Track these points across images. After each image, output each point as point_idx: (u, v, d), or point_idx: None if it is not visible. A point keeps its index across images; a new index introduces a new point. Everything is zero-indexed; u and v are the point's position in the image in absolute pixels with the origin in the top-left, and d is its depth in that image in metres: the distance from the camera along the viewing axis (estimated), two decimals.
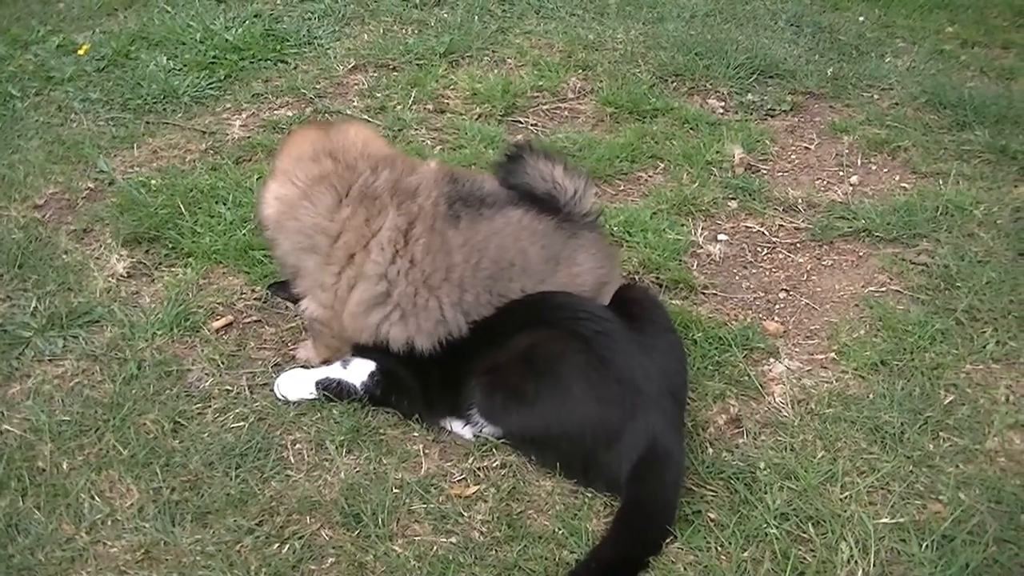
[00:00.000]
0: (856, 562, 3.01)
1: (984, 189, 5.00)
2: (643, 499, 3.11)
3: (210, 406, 3.60)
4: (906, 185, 5.12)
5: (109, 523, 3.13)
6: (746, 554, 3.03)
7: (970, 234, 4.62)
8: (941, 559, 3.02)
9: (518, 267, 3.51)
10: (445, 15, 6.92)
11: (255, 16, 6.74)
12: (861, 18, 7.32)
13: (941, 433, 3.53)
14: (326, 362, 3.70)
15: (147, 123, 5.53)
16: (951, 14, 7.50)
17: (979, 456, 3.44)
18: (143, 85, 5.84)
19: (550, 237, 3.55)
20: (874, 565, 3.00)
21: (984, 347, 3.91)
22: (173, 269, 4.30)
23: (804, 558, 3.03)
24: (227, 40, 6.34)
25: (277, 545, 3.07)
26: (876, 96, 6.06)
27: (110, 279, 4.21)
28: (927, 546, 3.06)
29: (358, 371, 3.56)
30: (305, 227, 3.48)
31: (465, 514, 3.18)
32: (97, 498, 3.20)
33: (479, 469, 3.36)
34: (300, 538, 3.08)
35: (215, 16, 6.70)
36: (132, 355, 3.80)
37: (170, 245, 4.41)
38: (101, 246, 4.43)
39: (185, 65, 6.11)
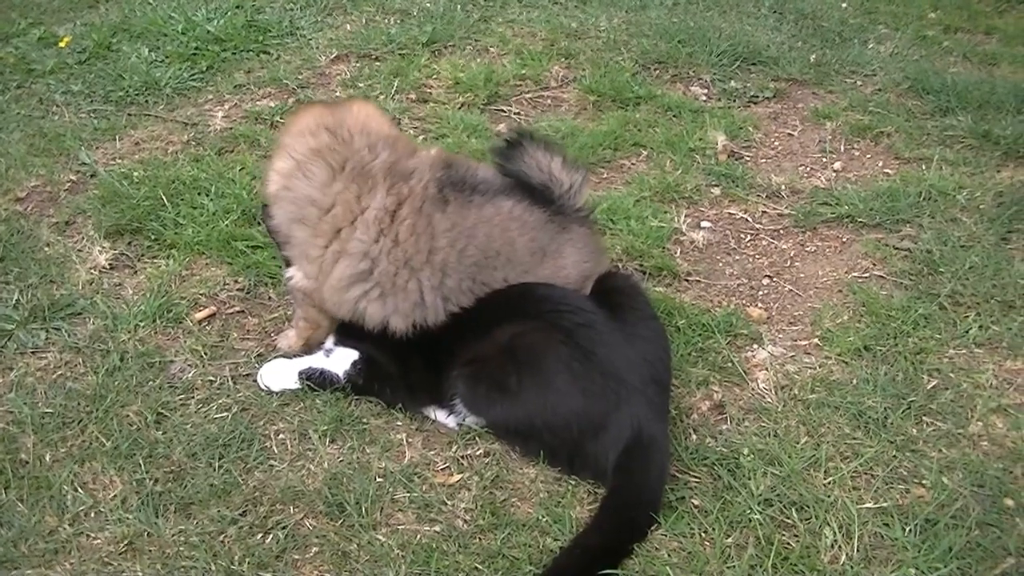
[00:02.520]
0: (840, 547, 3.01)
1: (967, 174, 5.01)
2: (628, 487, 3.11)
3: (193, 397, 3.58)
4: (889, 171, 5.13)
5: (92, 515, 3.11)
6: (730, 540, 3.04)
7: (953, 219, 4.63)
8: (924, 543, 3.02)
9: (504, 257, 3.51)
10: (427, 4, 6.91)
11: (237, 7, 6.73)
12: (844, 4, 7.35)
13: (924, 418, 3.54)
14: (308, 352, 3.70)
15: (129, 115, 5.51)
16: (934, 0, 7.50)
17: (962, 440, 3.45)
18: (125, 77, 5.82)
19: (539, 230, 3.56)
20: (857, 550, 3.00)
21: (967, 332, 3.92)
22: (156, 260, 4.29)
23: (788, 543, 3.03)
24: (209, 31, 6.33)
25: (261, 535, 3.06)
26: (859, 82, 6.08)
27: (92, 271, 4.19)
28: (910, 530, 3.06)
29: (341, 360, 3.56)
30: (298, 198, 3.49)
31: (449, 502, 3.17)
32: (80, 490, 3.19)
33: (462, 457, 3.36)
34: (284, 528, 3.07)
35: (197, 7, 6.69)
36: (115, 347, 3.78)
37: (152, 237, 4.40)
38: (83, 238, 4.42)
39: (167, 57, 6.10)
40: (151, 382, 3.63)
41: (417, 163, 3.56)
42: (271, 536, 3.05)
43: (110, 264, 4.25)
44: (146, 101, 5.67)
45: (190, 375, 3.68)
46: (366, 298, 3.48)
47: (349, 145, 3.52)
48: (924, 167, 5.10)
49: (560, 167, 3.58)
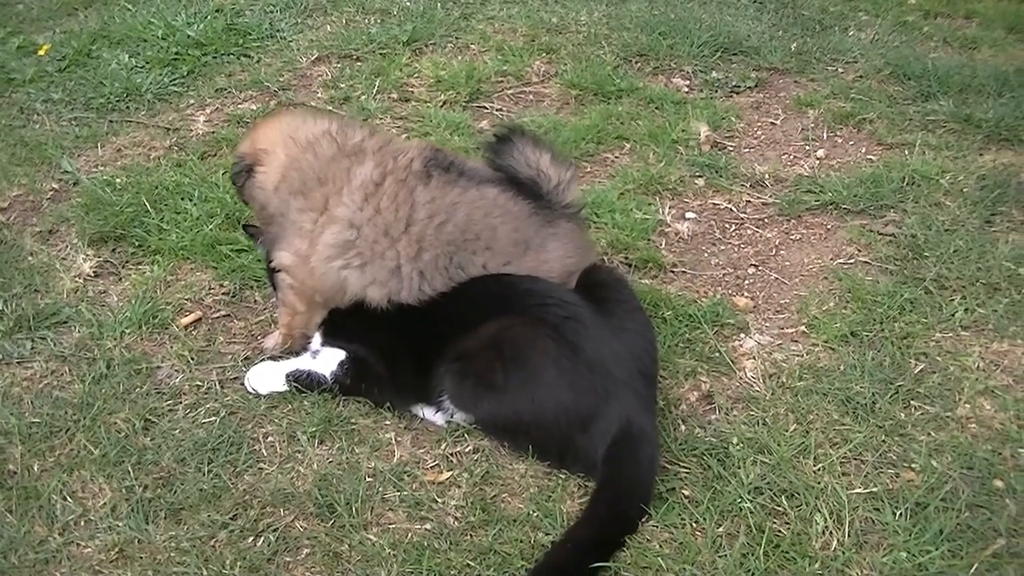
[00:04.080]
0: (831, 533, 3.02)
1: (950, 158, 5.02)
2: (618, 479, 3.11)
3: (181, 402, 3.58)
4: (872, 157, 5.14)
5: (82, 523, 3.11)
6: (721, 529, 3.04)
7: (937, 203, 4.64)
8: (915, 526, 3.03)
9: (483, 242, 3.54)
10: (408, 3, 6.91)
11: (217, 11, 6.72)
12: None
13: (912, 402, 3.54)
14: (295, 353, 3.69)
15: (110, 122, 5.50)
16: None
17: (950, 423, 3.46)
18: (105, 84, 5.81)
19: (523, 221, 3.58)
20: (849, 535, 3.01)
21: (953, 315, 3.93)
22: (140, 267, 4.28)
23: (779, 531, 3.03)
24: (189, 36, 6.32)
25: (252, 538, 3.05)
26: (840, 70, 6.08)
27: (77, 279, 4.19)
28: (901, 514, 3.07)
29: (328, 361, 3.56)
30: (303, 170, 3.61)
31: (439, 500, 3.17)
32: (69, 499, 3.18)
33: (452, 455, 3.36)
34: (275, 530, 3.07)
35: (176, 12, 6.67)
36: (101, 354, 3.77)
37: (137, 243, 4.39)
38: (67, 246, 4.41)
39: (147, 62, 6.09)
40: (138, 389, 3.63)
41: (407, 146, 3.69)
42: (262, 539, 3.04)
43: (94, 272, 4.24)
44: (127, 107, 5.66)
45: (177, 380, 3.68)
46: (348, 267, 3.53)
47: (353, 129, 3.71)
48: (907, 152, 5.11)
49: (549, 162, 3.61)
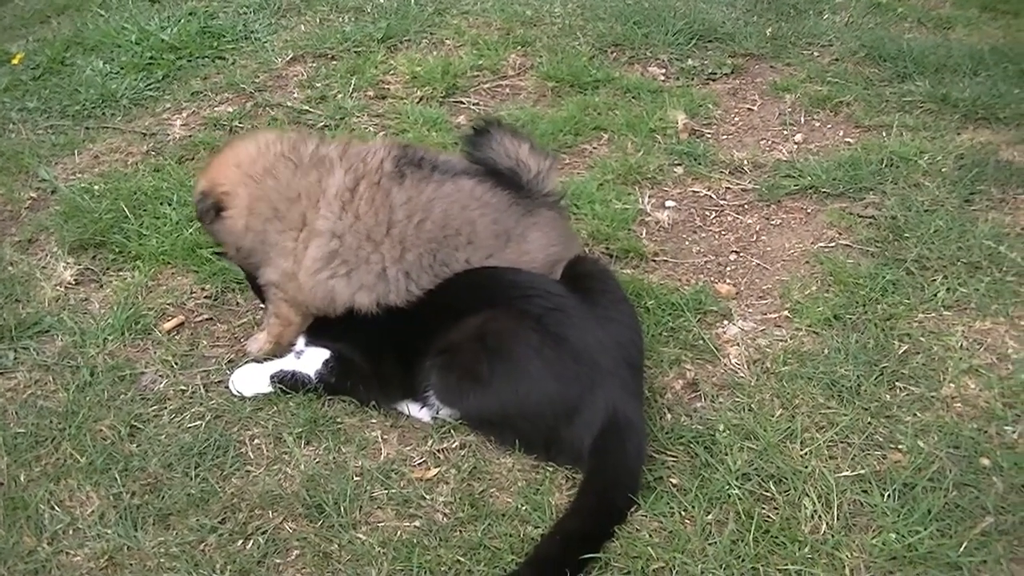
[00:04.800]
0: (820, 516, 3.03)
1: (927, 139, 5.04)
2: (606, 470, 3.11)
3: (166, 407, 3.57)
4: (850, 140, 5.16)
5: (71, 532, 3.10)
6: (710, 517, 3.04)
7: (916, 184, 4.65)
8: (904, 507, 3.04)
9: (464, 237, 3.54)
10: (381, 1, 6.88)
11: (190, 14, 6.68)
12: None
13: (897, 383, 3.55)
14: (279, 355, 3.68)
15: (87, 128, 5.48)
16: None
17: (936, 403, 3.47)
18: (81, 91, 5.78)
19: (502, 212, 3.58)
20: (837, 518, 3.02)
21: (935, 295, 3.94)
22: (121, 273, 4.27)
23: (768, 516, 3.04)
24: (163, 40, 6.29)
25: (241, 541, 3.05)
26: (816, 53, 6.09)
27: (58, 287, 4.17)
28: (889, 496, 3.08)
29: (312, 361, 3.55)
30: (270, 196, 3.57)
31: (427, 497, 3.17)
32: (57, 508, 3.17)
33: (439, 451, 3.36)
34: (264, 533, 3.06)
35: (150, 17, 6.64)
36: (84, 362, 3.76)
37: (117, 249, 4.37)
38: (47, 255, 4.39)
39: (122, 68, 6.06)
40: (123, 395, 3.62)
41: (369, 146, 3.67)
42: (251, 542, 3.04)
43: (75, 279, 4.22)
44: (103, 114, 5.64)
45: (162, 386, 3.67)
46: (335, 276, 3.52)
47: (305, 141, 3.66)
48: (884, 134, 5.12)
49: (528, 152, 3.62)
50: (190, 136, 5.34)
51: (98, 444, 3.39)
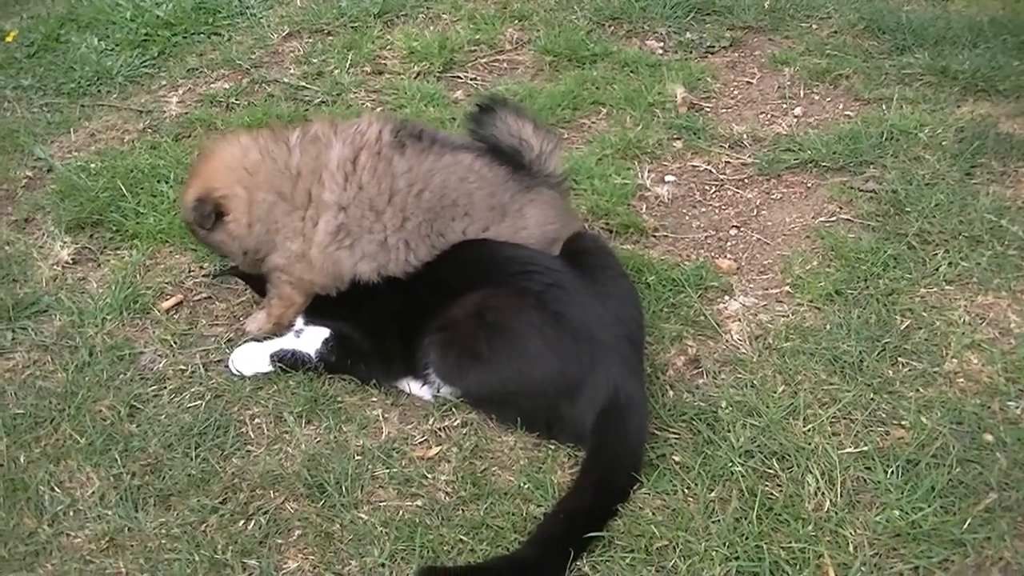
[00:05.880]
0: (823, 493, 3.02)
1: (927, 111, 5.01)
2: (608, 448, 3.10)
3: (165, 387, 3.56)
4: (850, 113, 5.13)
5: (71, 514, 3.09)
6: (713, 494, 3.04)
7: (916, 157, 4.63)
8: (907, 484, 3.03)
9: (461, 208, 3.56)
10: None
11: None
12: None
13: (900, 359, 3.54)
14: (278, 334, 3.66)
15: (82, 106, 5.45)
16: None
17: (938, 379, 3.46)
18: (76, 68, 5.76)
19: (499, 186, 3.59)
20: (841, 495, 3.01)
21: (937, 269, 3.92)
22: (119, 252, 4.25)
23: (771, 494, 3.03)
24: (158, 16, 6.25)
25: (243, 522, 3.04)
26: (815, 26, 6.05)
27: (55, 267, 4.15)
28: (892, 472, 3.07)
29: (312, 339, 3.54)
30: (271, 179, 3.56)
31: (429, 476, 3.16)
32: (57, 489, 3.16)
33: (440, 430, 3.35)
34: (265, 513, 3.05)
35: None
36: (83, 342, 3.75)
37: (114, 228, 4.36)
38: (44, 234, 4.37)
39: (117, 45, 6.03)
40: (122, 375, 3.60)
41: (360, 120, 3.68)
42: (253, 522, 3.03)
43: (73, 259, 4.21)
44: (99, 91, 5.62)
45: (161, 365, 3.66)
46: (340, 247, 3.53)
47: (284, 129, 3.69)
48: (884, 107, 5.10)
49: (532, 132, 3.63)
50: (186, 113, 5.31)
51: (98, 425, 3.38)
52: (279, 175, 3.55)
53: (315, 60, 5.80)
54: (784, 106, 5.25)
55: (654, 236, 4.28)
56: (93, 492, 3.15)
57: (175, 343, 3.74)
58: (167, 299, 3.98)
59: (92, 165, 4.79)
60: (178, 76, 5.72)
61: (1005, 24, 5.79)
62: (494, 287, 3.34)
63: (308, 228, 3.54)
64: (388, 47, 5.88)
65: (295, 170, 3.54)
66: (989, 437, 3.21)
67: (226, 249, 3.69)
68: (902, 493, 3.00)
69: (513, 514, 3.00)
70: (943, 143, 4.71)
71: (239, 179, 3.57)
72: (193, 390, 3.54)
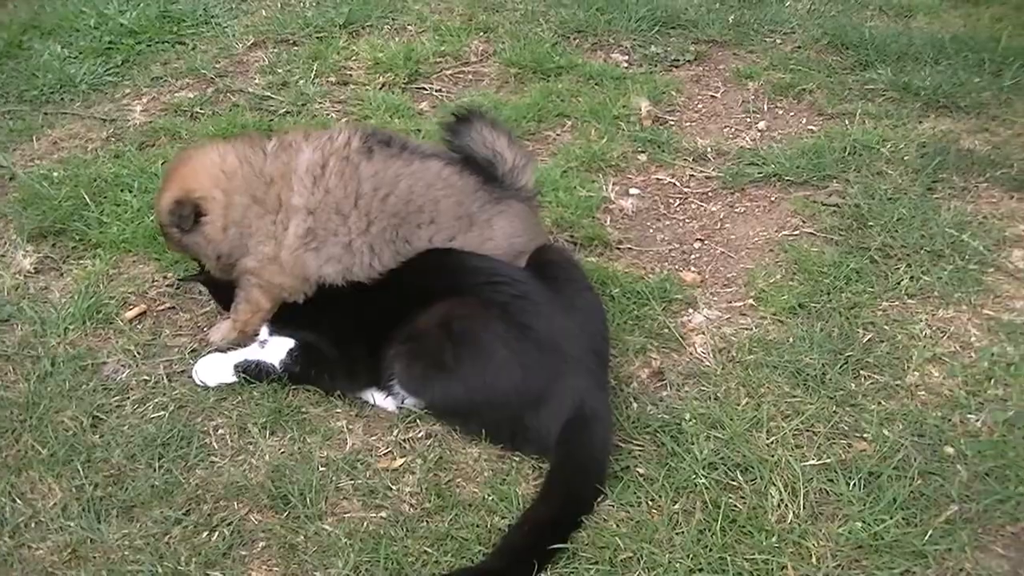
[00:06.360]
0: (786, 505, 3.04)
1: (890, 127, 5.05)
2: (573, 460, 3.11)
3: (128, 397, 3.54)
4: (813, 127, 5.16)
5: (33, 525, 3.06)
6: (677, 506, 3.05)
7: (879, 172, 4.67)
8: (869, 496, 3.06)
9: (427, 215, 3.56)
10: None
11: None
12: None
13: (862, 371, 3.57)
14: (243, 344, 3.65)
15: (45, 114, 5.41)
16: None
17: (900, 392, 3.49)
18: (38, 75, 5.71)
19: (469, 196, 3.60)
20: (804, 507, 3.03)
21: (899, 283, 3.96)
22: (82, 261, 4.22)
23: (735, 506, 3.04)
24: (122, 24, 6.21)
25: (206, 533, 3.02)
26: (779, 40, 6.09)
27: (17, 276, 4.12)
28: (855, 484, 3.09)
29: (276, 350, 3.53)
30: (248, 182, 3.57)
31: (393, 487, 3.16)
32: (18, 500, 3.13)
33: (404, 441, 3.34)
34: (229, 524, 3.04)
35: (108, 0, 6.54)
36: (45, 352, 3.72)
37: (77, 237, 4.33)
38: (5, 243, 4.34)
39: (81, 52, 5.99)
40: (85, 385, 3.58)
41: (332, 129, 3.73)
42: (217, 534, 3.02)
43: (35, 268, 4.17)
44: (62, 99, 5.57)
45: (124, 375, 3.63)
46: (307, 249, 3.53)
47: (260, 137, 3.72)
48: (847, 122, 5.13)
49: (506, 145, 3.65)
50: (150, 122, 5.28)
51: (60, 435, 3.35)
52: (254, 179, 3.55)
53: (280, 70, 5.78)
54: (748, 120, 5.28)
55: (619, 248, 4.30)
56: (55, 503, 3.12)
57: (138, 353, 3.72)
58: (131, 309, 3.95)
59: (55, 173, 4.75)
60: (142, 85, 5.68)
61: (966, 41, 5.85)
62: (460, 297, 3.34)
63: (279, 231, 3.54)
64: (353, 58, 5.88)
65: (268, 175, 3.55)
66: (950, 449, 3.24)
67: (200, 252, 3.67)
68: (864, 505, 3.02)
69: (478, 526, 3.00)
70: (905, 158, 4.75)
71: (217, 182, 3.56)
72: (157, 400, 3.52)
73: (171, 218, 3.60)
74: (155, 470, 3.23)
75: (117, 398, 3.54)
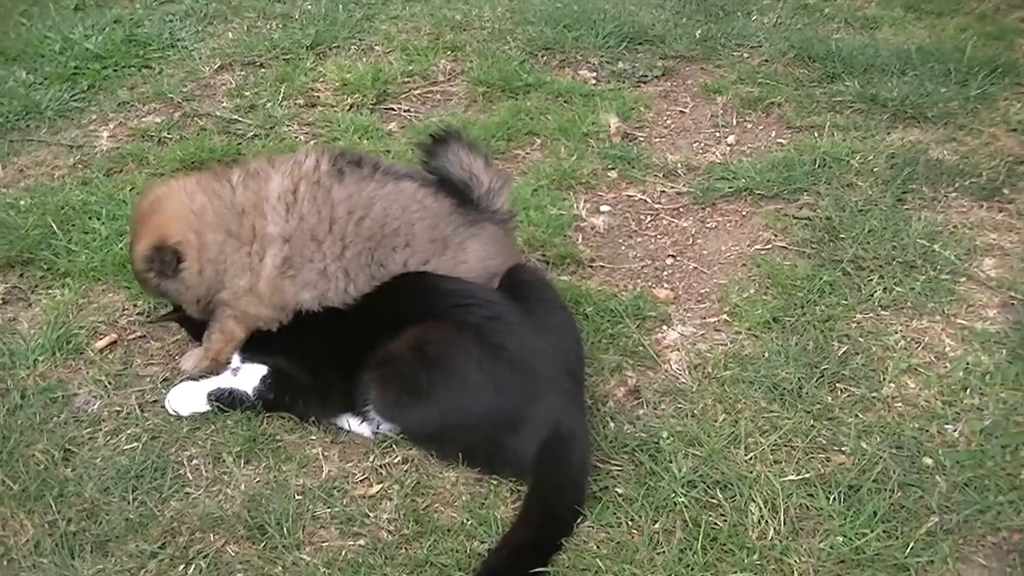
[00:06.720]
0: (767, 522, 3.03)
1: (858, 139, 5.07)
2: (551, 481, 3.10)
3: (101, 429, 3.50)
4: (782, 140, 5.17)
5: (4, 563, 3.02)
6: (657, 525, 3.03)
7: (849, 184, 4.68)
8: (849, 510, 3.05)
9: (402, 238, 3.54)
10: (309, 7, 6.81)
11: (115, 22, 6.57)
12: None
13: (838, 385, 3.57)
14: (215, 372, 3.62)
15: (11, 142, 5.36)
16: None
17: (877, 404, 3.49)
18: (3, 102, 5.65)
19: (443, 218, 3.58)
20: (784, 523, 3.02)
21: (872, 295, 3.97)
22: (50, 291, 4.18)
23: (715, 523, 3.03)
24: (88, 49, 6.18)
25: (183, 566, 2.99)
26: (746, 55, 6.10)
27: None
28: (834, 498, 3.09)
29: (249, 377, 3.50)
30: (220, 216, 3.52)
31: (371, 514, 3.13)
32: None
33: (381, 467, 3.32)
34: (205, 556, 3.01)
35: (73, 25, 6.51)
36: (14, 384, 3.68)
37: (45, 266, 4.28)
38: None
39: (46, 78, 5.94)
40: (56, 418, 3.54)
41: (298, 153, 3.68)
42: (193, 566, 2.98)
43: (2, 299, 4.14)
44: (27, 126, 5.52)
45: (96, 407, 3.59)
46: (284, 277, 3.50)
47: (224, 169, 3.68)
48: (816, 135, 5.15)
49: (483, 167, 3.65)
50: (118, 148, 5.24)
51: (31, 469, 3.31)
52: (226, 213, 3.51)
53: (248, 93, 5.76)
54: (717, 135, 5.28)
55: (591, 267, 4.29)
56: (27, 540, 3.08)
57: (110, 383, 3.69)
58: (101, 338, 3.91)
59: (21, 202, 4.71)
60: (109, 110, 5.65)
61: (931, 52, 5.87)
62: (433, 321, 3.32)
63: (255, 263, 3.51)
64: (321, 79, 5.86)
65: (239, 207, 3.51)
66: (928, 461, 3.25)
67: (180, 298, 3.64)
68: (845, 519, 3.02)
69: (457, 551, 2.98)
70: (875, 170, 4.77)
71: (189, 224, 3.51)
72: (129, 431, 3.48)
73: (148, 265, 3.55)
74: (129, 503, 3.19)
75: (89, 430, 3.49)
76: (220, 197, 3.53)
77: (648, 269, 4.28)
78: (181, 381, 3.63)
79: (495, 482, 3.22)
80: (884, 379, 3.60)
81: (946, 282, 4.04)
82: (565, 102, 5.57)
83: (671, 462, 3.23)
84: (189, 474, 3.31)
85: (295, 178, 3.52)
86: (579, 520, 3.04)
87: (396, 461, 3.33)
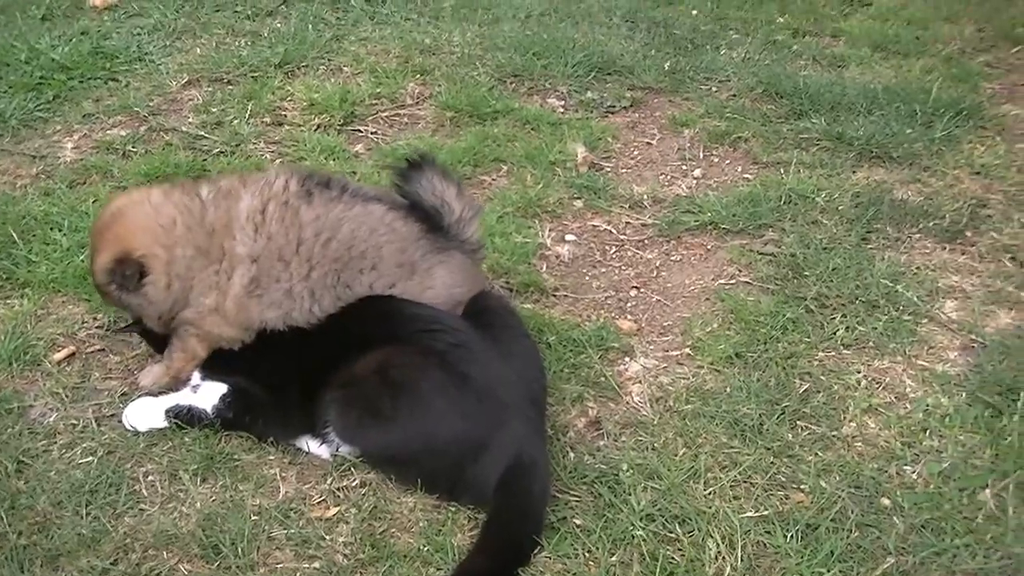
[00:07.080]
0: (724, 558, 3.02)
1: (824, 176, 5.10)
2: (510, 510, 3.09)
3: (56, 442, 3.46)
4: (748, 176, 5.19)
5: None
6: (614, 558, 3.02)
7: (814, 221, 4.71)
8: (806, 548, 3.05)
9: (369, 261, 3.53)
10: (278, 25, 6.80)
11: (82, 33, 6.53)
12: (695, 12, 7.39)
13: (799, 422, 3.58)
14: (175, 388, 3.59)
15: None
16: (781, 4, 7.59)
17: (837, 443, 3.50)
18: None
19: (412, 243, 3.58)
20: (741, 560, 3.02)
21: (835, 333, 3.98)
22: (8, 301, 4.14)
23: (672, 558, 3.03)
24: (54, 59, 6.13)
25: None
26: (714, 88, 6.14)
27: None
28: (792, 536, 3.09)
29: (209, 395, 3.47)
30: (191, 232, 3.50)
31: (327, 537, 3.11)
32: None
33: (338, 489, 3.29)
34: (158, 574, 2.97)
35: (40, 35, 6.46)
36: None
37: (4, 276, 4.24)
38: None
39: (10, 87, 5.89)
40: (10, 429, 3.50)
41: (268, 172, 3.67)
42: None
43: None
44: None
45: (51, 419, 3.56)
46: (251, 296, 3.49)
47: (195, 184, 3.65)
48: (782, 171, 5.18)
49: (455, 195, 3.64)
50: (82, 160, 5.20)
51: None
52: (196, 229, 3.49)
53: (214, 109, 5.73)
54: (684, 167, 5.30)
55: (555, 295, 4.29)
56: None
57: (66, 396, 3.65)
58: (59, 350, 3.87)
59: None
60: (73, 121, 5.60)
61: (898, 92, 5.92)
62: (398, 345, 3.31)
63: (223, 282, 3.49)
64: (288, 98, 5.84)
65: (210, 225, 3.49)
66: (887, 501, 3.25)
67: (143, 312, 3.61)
68: (802, 558, 3.02)
69: None
70: (840, 208, 4.79)
71: (156, 238, 3.48)
72: (85, 445, 3.44)
73: (110, 278, 3.52)
74: (82, 517, 3.15)
75: (44, 442, 3.46)
76: (191, 212, 3.51)
77: (612, 300, 4.28)
78: (139, 396, 3.60)
79: (453, 509, 3.20)
80: (844, 418, 3.61)
81: (908, 323, 4.06)
82: (533, 129, 5.57)
83: (630, 495, 3.23)
84: (144, 490, 3.28)
85: (264, 198, 3.50)
86: (536, 550, 3.03)
87: (354, 484, 3.31)
